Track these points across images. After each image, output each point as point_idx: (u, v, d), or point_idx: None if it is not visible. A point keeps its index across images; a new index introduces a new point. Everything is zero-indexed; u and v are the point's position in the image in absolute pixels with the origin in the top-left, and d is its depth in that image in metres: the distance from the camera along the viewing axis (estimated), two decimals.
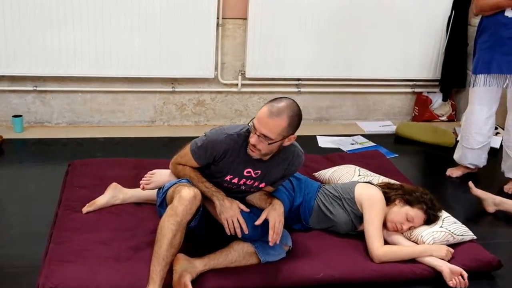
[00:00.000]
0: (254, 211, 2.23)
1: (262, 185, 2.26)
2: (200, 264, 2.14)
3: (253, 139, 2.04)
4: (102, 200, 2.61)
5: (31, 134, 3.77)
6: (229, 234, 2.15)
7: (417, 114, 4.50)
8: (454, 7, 4.17)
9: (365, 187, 2.51)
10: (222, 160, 2.16)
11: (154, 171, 2.44)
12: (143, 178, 2.42)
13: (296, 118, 2.07)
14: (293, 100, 2.11)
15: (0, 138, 3.47)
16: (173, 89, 4.06)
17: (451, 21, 4.19)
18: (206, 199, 2.20)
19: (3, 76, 3.78)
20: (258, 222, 2.12)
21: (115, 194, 2.64)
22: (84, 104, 3.99)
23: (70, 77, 3.87)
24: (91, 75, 3.87)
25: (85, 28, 3.71)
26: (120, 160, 3.15)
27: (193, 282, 2.08)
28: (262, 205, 2.23)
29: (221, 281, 2.14)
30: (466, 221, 2.83)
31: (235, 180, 2.21)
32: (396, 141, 4.08)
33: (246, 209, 2.19)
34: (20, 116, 3.78)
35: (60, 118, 3.99)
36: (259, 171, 2.20)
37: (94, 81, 3.93)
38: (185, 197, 2.03)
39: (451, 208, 3.00)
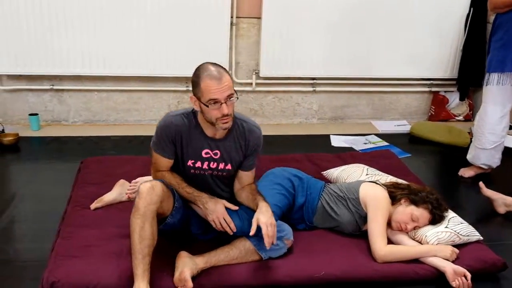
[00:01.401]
0: (244, 208, 2.27)
1: (229, 166, 2.26)
2: (201, 261, 2.16)
3: (225, 109, 2.04)
4: (109, 197, 2.67)
5: (47, 132, 3.87)
6: (220, 230, 2.19)
7: (433, 113, 4.44)
8: (472, 4, 4.10)
9: (370, 187, 2.49)
10: (180, 142, 2.18)
11: (137, 179, 2.49)
12: (128, 188, 2.46)
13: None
14: (207, 62, 2.13)
15: (16, 136, 3.58)
16: (187, 88, 4.10)
17: (469, 19, 4.12)
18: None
19: (20, 75, 3.89)
20: (252, 233, 2.10)
21: (122, 191, 2.69)
22: (100, 102, 4.07)
23: (86, 76, 3.95)
24: (106, 74, 3.94)
25: (100, 29, 3.78)
26: (131, 158, 3.21)
27: (195, 279, 2.10)
28: (250, 205, 2.24)
29: (222, 278, 2.15)
30: (476, 222, 2.79)
31: (199, 164, 2.22)
32: (410, 140, 4.04)
33: (233, 207, 2.22)
34: (36, 114, 3.88)
35: (76, 116, 4.08)
36: (218, 151, 2.22)
37: (110, 80, 4.01)
38: (142, 191, 2.06)
39: (462, 208, 2.96)
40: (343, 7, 4.00)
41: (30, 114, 3.87)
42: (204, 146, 2.20)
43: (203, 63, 2.12)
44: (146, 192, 2.05)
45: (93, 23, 3.77)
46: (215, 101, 2.04)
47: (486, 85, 3.13)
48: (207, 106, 2.06)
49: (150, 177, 2.38)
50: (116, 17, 3.78)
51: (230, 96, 2.06)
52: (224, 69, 2.09)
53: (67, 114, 4.06)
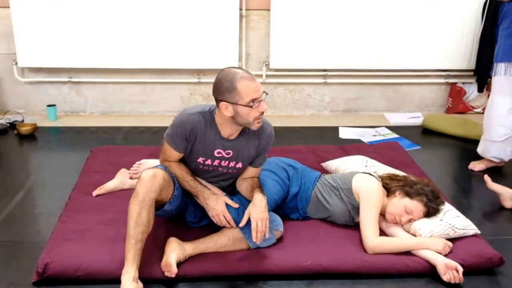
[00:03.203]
0: (240, 198, 2.30)
1: (239, 165, 2.28)
2: (190, 248, 2.21)
3: (265, 105, 2.10)
4: (111, 185, 2.76)
5: (63, 122, 4.01)
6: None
7: (450, 105, 4.34)
8: None
9: (363, 178, 2.48)
10: (194, 140, 2.20)
11: (141, 161, 2.53)
12: (131, 168, 2.53)
13: None
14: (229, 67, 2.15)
15: (33, 126, 3.73)
16: (199, 80, 4.16)
17: (486, 7, 3.99)
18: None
19: (41, 68, 4.04)
20: (242, 224, 2.14)
21: (124, 179, 2.78)
22: (116, 94, 4.18)
23: (102, 69, 4.07)
24: (121, 67, 4.05)
25: (115, 23, 3.89)
26: (137, 148, 3.29)
27: (182, 264, 2.15)
28: (247, 196, 2.27)
29: (208, 265, 2.19)
30: (482, 216, 2.76)
31: (209, 162, 2.25)
32: (423, 133, 3.96)
33: (234, 205, 2.25)
34: (54, 105, 4.03)
35: (93, 108, 4.21)
36: (230, 151, 2.23)
37: (125, 73, 4.11)
38: (144, 177, 2.10)
39: (467, 202, 2.92)
40: None
41: (48, 105, 4.02)
42: (217, 146, 2.22)
43: (225, 69, 2.10)
44: (148, 179, 2.09)
45: (108, 18, 3.88)
46: (257, 100, 2.07)
47: (494, 75, 3.05)
48: (251, 107, 2.07)
49: (154, 160, 2.43)
50: (129, 12, 3.88)
51: (264, 92, 2.12)
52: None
53: (85, 106, 4.20)
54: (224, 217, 2.22)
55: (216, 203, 2.22)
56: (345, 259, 2.24)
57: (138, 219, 2.06)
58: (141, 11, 3.89)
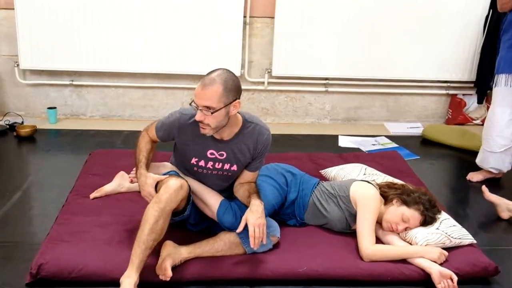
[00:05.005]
0: (238, 203, 2.30)
1: (234, 167, 2.27)
2: (185, 251, 2.21)
3: (197, 115, 2.06)
4: (109, 187, 2.76)
5: (63, 125, 4.02)
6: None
7: (450, 117, 4.34)
8: (491, 5, 3.99)
9: (361, 186, 2.48)
10: (184, 139, 2.22)
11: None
12: (131, 172, 2.54)
13: (231, 81, 2.05)
14: (225, 68, 2.10)
15: (33, 128, 3.73)
16: None
17: (488, 20, 4.01)
18: (193, 194, 2.29)
19: (42, 71, 4.06)
20: (239, 230, 2.13)
21: (122, 182, 2.78)
22: (117, 98, 4.19)
23: (104, 73, 4.08)
24: (123, 71, 4.06)
25: (118, 27, 3.91)
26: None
27: (177, 268, 2.15)
28: (244, 201, 2.27)
29: (203, 269, 2.18)
30: (479, 226, 2.76)
31: (202, 163, 2.26)
32: (423, 143, 3.97)
33: (162, 178, 2.20)
34: (54, 108, 4.04)
35: (94, 111, 4.22)
36: (224, 153, 2.23)
37: (126, 77, 4.13)
38: (171, 186, 2.10)
39: (464, 212, 2.91)
40: (357, 6, 3.98)
41: (49, 108, 4.03)
42: (210, 147, 2.22)
43: (221, 69, 2.09)
44: (174, 189, 2.08)
45: (111, 22, 3.90)
46: (195, 104, 2.06)
47: (495, 86, 3.07)
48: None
49: (154, 164, 2.42)
50: (132, 17, 3.90)
51: (206, 108, 2.03)
52: (223, 83, 2.01)
53: (85, 109, 4.21)
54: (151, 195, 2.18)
55: (144, 184, 2.20)
56: (341, 266, 2.24)
57: (155, 226, 2.05)
58: (144, 16, 3.91)
